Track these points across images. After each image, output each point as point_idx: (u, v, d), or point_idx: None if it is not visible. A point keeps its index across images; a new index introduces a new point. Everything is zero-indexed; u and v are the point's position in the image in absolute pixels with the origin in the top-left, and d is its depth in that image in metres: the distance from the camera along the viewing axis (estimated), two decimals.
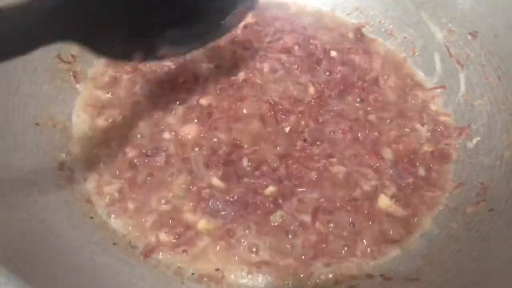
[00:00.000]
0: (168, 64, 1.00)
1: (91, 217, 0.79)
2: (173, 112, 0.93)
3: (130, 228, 0.80)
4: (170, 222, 0.79)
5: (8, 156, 0.78)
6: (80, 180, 0.84)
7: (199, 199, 0.81)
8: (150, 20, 0.76)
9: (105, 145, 0.89)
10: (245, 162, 0.86)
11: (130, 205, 0.81)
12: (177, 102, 0.94)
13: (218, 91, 0.96)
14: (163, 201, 0.82)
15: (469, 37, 1.02)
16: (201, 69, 1.00)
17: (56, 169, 0.83)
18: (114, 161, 0.86)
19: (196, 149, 0.87)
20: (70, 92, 0.95)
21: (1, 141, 0.78)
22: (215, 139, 0.88)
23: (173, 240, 0.78)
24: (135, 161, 0.86)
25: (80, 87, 0.97)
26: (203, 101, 0.94)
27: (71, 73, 0.97)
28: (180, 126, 0.91)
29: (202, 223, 0.79)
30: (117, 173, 0.85)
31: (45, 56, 0.93)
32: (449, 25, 1.06)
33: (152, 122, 0.92)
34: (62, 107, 0.92)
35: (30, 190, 0.76)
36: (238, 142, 0.88)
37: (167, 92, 0.96)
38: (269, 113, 0.92)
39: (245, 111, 0.93)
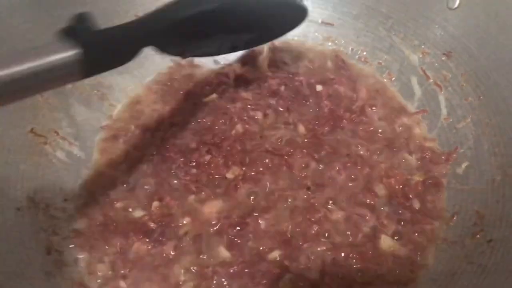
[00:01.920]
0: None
1: None
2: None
3: None
4: None
5: None
6: (70, 262, 0.81)
7: (202, 279, 0.79)
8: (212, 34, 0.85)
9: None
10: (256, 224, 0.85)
11: (123, 284, 0.78)
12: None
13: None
14: (160, 283, 0.79)
15: (444, 58, 1.02)
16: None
17: (43, 254, 0.80)
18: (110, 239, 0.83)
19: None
20: (49, 167, 0.92)
21: None
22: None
23: None
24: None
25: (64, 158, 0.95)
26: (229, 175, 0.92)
27: (49, 145, 0.93)
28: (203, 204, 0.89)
29: None
30: (113, 250, 0.82)
31: (17, 133, 0.90)
32: (422, 47, 1.06)
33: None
34: (42, 185, 0.89)
35: (18, 284, 0.73)
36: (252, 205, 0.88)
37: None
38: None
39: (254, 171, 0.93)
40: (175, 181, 0.91)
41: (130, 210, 0.88)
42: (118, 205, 0.89)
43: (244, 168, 0.92)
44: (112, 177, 0.94)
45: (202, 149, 0.95)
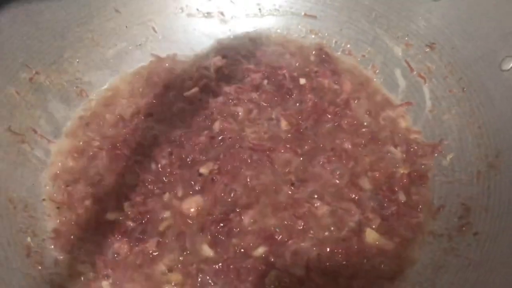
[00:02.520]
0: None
1: None
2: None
3: None
4: None
5: None
6: (50, 264, 0.79)
7: (186, 277, 0.78)
8: None
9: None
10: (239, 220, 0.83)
11: (106, 285, 0.76)
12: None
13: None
14: (144, 282, 0.77)
15: (428, 50, 1.02)
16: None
17: (22, 256, 0.78)
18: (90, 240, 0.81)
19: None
20: (27, 166, 0.89)
21: None
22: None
23: None
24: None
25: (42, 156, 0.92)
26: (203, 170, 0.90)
27: (27, 143, 0.91)
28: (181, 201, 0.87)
29: None
30: (91, 251, 0.80)
31: None
32: (406, 38, 1.06)
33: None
34: (20, 185, 0.86)
35: None
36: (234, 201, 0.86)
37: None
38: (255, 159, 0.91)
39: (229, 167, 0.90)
40: (148, 177, 0.89)
41: (103, 212, 0.86)
42: (89, 205, 0.86)
43: (218, 163, 0.90)
44: (81, 172, 0.92)
45: (174, 142, 0.93)
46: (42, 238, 0.82)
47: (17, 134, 0.91)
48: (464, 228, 0.80)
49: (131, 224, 0.83)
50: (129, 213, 0.84)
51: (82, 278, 0.78)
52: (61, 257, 0.81)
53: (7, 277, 0.73)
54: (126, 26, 1.10)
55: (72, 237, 0.82)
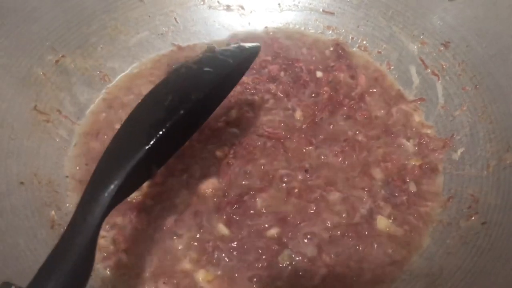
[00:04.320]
0: None
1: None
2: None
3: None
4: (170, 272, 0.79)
5: None
6: None
7: (202, 253, 0.81)
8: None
9: None
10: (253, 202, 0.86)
11: (125, 258, 0.80)
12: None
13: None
14: (161, 256, 0.80)
15: (442, 48, 1.04)
16: None
17: (47, 228, 0.81)
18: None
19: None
20: (51, 144, 0.93)
21: None
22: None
23: None
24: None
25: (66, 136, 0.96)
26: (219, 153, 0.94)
27: (51, 123, 0.94)
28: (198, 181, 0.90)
29: (202, 273, 0.78)
30: (112, 225, 0.83)
31: (20, 110, 0.90)
32: (421, 37, 1.08)
33: None
34: (44, 161, 0.90)
35: (22, 256, 0.74)
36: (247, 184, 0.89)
37: None
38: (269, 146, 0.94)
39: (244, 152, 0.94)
40: None
41: None
42: None
43: (234, 147, 0.93)
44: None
45: None
46: (65, 212, 0.85)
47: (42, 113, 0.94)
48: (472, 218, 0.82)
49: (151, 202, 0.85)
50: (148, 192, 0.87)
51: (103, 251, 0.80)
52: None
53: (32, 245, 0.76)
54: (149, 16, 1.14)
55: None
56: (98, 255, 0.80)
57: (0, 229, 0.76)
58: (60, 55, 1.01)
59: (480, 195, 0.85)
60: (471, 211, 0.84)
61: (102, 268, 0.80)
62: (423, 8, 1.08)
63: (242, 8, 1.19)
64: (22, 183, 0.83)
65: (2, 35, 0.94)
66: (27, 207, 0.82)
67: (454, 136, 0.96)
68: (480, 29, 0.98)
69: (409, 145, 0.97)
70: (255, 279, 0.78)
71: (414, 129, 1.00)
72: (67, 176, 0.91)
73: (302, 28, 1.20)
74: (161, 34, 1.15)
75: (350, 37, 1.16)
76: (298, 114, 1.01)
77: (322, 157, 0.95)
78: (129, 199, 0.85)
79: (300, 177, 0.91)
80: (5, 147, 0.85)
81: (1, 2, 0.95)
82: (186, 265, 0.80)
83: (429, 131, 1.00)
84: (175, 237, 0.82)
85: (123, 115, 1.00)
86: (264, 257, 0.79)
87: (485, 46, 0.97)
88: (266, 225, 0.83)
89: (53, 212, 0.84)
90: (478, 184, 0.87)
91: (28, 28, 0.97)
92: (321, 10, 1.18)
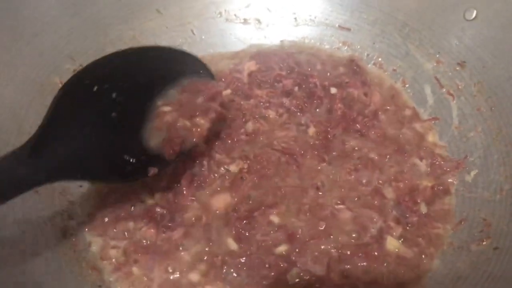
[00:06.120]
0: None
1: (99, 286, 0.78)
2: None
3: None
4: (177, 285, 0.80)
5: (8, 228, 0.77)
6: (84, 246, 0.83)
7: (211, 267, 0.81)
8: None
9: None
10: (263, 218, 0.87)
11: (135, 270, 0.80)
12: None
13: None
14: (170, 269, 0.81)
15: (458, 68, 1.04)
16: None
17: (59, 237, 0.82)
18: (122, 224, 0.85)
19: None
20: None
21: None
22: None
23: None
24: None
25: None
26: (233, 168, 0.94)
27: None
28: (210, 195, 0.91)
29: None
30: (125, 235, 0.85)
31: (38, 118, 0.91)
32: (437, 56, 1.08)
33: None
34: None
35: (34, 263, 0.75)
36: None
37: None
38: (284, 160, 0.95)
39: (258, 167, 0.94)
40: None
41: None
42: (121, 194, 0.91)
43: (248, 162, 0.93)
44: None
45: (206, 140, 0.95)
46: (78, 222, 0.86)
47: None
48: (484, 242, 0.82)
49: (161, 211, 0.86)
50: (159, 199, 0.88)
51: (114, 261, 0.81)
52: (95, 240, 0.84)
53: (44, 253, 0.77)
54: (167, 27, 1.15)
55: (105, 221, 0.86)
56: (108, 267, 0.81)
57: (16, 235, 0.77)
58: (78, 64, 1.02)
59: (493, 219, 0.85)
60: (483, 235, 0.83)
61: (113, 281, 0.80)
62: (439, 26, 1.07)
63: (259, 21, 1.20)
64: (36, 191, 0.84)
65: (21, 43, 0.95)
66: (40, 216, 0.83)
67: (468, 157, 0.96)
68: (498, 50, 0.97)
69: (422, 165, 0.97)
70: None
71: (427, 148, 1.00)
72: (81, 186, 0.92)
73: (318, 43, 1.20)
74: (178, 45, 1.16)
75: (365, 54, 1.16)
76: (311, 131, 1.01)
77: (334, 174, 0.94)
78: (141, 203, 0.87)
79: (311, 194, 0.91)
80: None
81: (21, 12, 0.96)
82: (194, 278, 0.80)
83: (442, 152, 0.99)
84: (182, 250, 0.82)
85: None
86: (272, 274, 0.80)
87: (502, 68, 0.97)
88: (275, 242, 0.83)
89: (65, 221, 0.85)
90: (491, 208, 0.86)
91: (47, 37, 0.99)
92: (337, 25, 1.18)
